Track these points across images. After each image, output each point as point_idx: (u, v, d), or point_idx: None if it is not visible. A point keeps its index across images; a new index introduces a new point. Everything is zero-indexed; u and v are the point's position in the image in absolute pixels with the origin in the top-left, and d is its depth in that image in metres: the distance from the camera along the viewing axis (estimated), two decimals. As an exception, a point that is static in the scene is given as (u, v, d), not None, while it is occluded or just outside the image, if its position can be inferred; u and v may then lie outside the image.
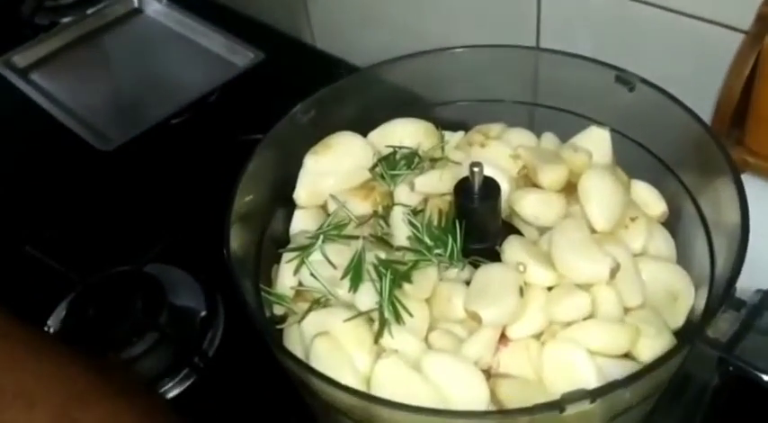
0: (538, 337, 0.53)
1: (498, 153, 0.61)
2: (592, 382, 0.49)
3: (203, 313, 0.85)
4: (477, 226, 0.56)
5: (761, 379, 0.44)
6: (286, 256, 0.57)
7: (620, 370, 0.50)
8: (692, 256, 0.58)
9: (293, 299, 0.57)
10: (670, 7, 0.74)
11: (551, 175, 0.58)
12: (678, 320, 0.55)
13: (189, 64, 1.22)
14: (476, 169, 0.53)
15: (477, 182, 0.54)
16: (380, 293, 0.52)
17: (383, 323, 0.51)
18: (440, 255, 0.55)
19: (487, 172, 0.58)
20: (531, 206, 0.57)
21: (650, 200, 0.61)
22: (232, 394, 0.79)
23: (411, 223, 0.56)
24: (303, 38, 1.25)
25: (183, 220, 0.96)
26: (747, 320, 0.48)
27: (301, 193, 0.64)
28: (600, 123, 0.63)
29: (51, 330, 0.84)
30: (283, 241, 0.64)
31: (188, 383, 0.80)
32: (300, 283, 0.58)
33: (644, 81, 0.60)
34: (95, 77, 1.23)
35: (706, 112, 0.75)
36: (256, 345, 0.52)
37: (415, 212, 0.60)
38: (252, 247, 0.61)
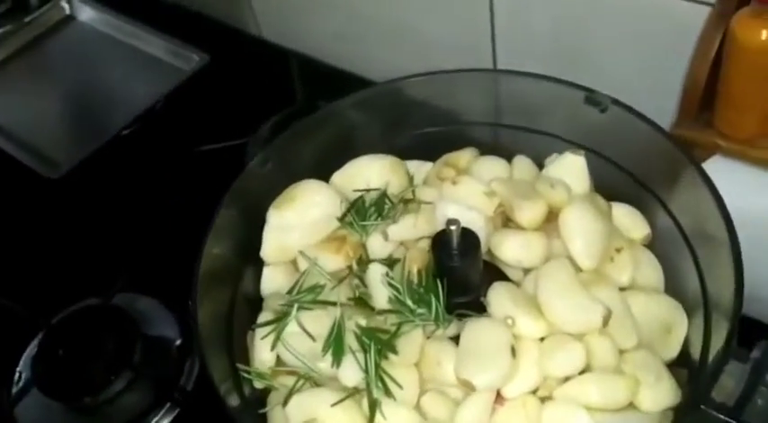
0: (534, 392, 0.51)
1: (471, 191, 0.58)
2: (596, 445, 0.47)
3: (179, 341, 0.83)
4: (459, 280, 0.53)
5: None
6: (260, 331, 0.54)
7: (624, 424, 0.48)
8: (678, 277, 0.57)
9: (273, 374, 0.54)
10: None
11: (530, 214, 0.55)
12: (672, 352, 0.54)
13: (130, 72, 1.15)
14: (453, 227, 0.50)
15: (455, 238, 0.51)
16: (366, 370, 0.50)
17: (374, 406, 0.48)
18: (424, 315, 0.52)
19: (462, 213, 0.55)
20: (512, 251, 0.54)
21: (633, 224, 0.58)
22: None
23: (391, 285, 0.53)
24: (248, 29, 1.19)
25: (148, 244, 0.92)
26: (752, 378, 0.46)
27: (268, 251, 0.60)
28: (569, 142, 0.60)
29: (23, 376, 0.81)
30: (256, 301, 0.61)
31: (173, 416, 0.77)
32: (278, 358, 0.55)
33: (615, 102, 0.57)
34: (32, 94, 1.16)
35: (672, 96, 0.73)
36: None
37: (391, 263, 0.57)
38: (223, 312, 0.58)
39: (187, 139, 1.02)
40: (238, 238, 0.61)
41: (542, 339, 0.52)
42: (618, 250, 0.55)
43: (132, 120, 1.05)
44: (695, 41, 0.68)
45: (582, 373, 0.50)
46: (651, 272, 0.56)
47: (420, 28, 0.96)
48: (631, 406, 0.50)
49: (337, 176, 0.63)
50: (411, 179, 0.62)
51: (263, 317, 0.56)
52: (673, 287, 0.57)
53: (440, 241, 0.52)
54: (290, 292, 0.57)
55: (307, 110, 1.04)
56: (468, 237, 0.52)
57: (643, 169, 0.60)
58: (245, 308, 0.60)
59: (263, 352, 0.54)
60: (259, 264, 0.62)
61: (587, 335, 0.51)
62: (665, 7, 0.71)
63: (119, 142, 1.04)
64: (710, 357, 0.45)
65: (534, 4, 0.79)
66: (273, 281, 0.61)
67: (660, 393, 0.49)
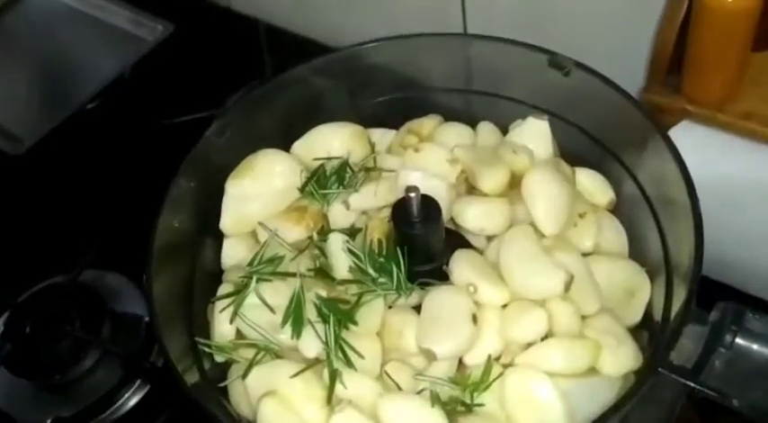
0: (497, 359, 0.51)
1: (434, 158, 0.57)
2: (558, 412, 0.46)
3: (147, 318, 0.82)
4: (421, 249, 0.52)
5: (731, 403, 0.42)
6: (219, 303, 0.53)
7: (585, 390, 0.48)
8: (642, 241, 0.56)
9: (233, 347, 0.54)
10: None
11: (492, 181, 0.54)
12: (635, 316, 0.53)
13: (94, 44, 1.13)
14: (412, 194, 0.49)
15: (415, 206, 0.50)
16: (326, 341, 0.49)
17: (333, 377, 0.48)
18: (385, 285, 0.51)
19: (424, 180, 0.54)
20: (474, 218, 0.54)
21: (596, 189, 0.58)
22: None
23: (352, 253, 0.52)
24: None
25: (114, 220, 0.90)
26: (711, 340, 0.46)
27: (227, 222, 0.59)
28: (534, 108, 0.60)
29: (-9, 356, 0.80)
30: (217, 273, 0.60)
31: (145, 391, 0.76)
32: (239, 331, 0.54)
33: (578, 64, 0.56)
34: (-8, 70, 1.14)
35: (641, 58, 0.72)
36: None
37: (353, 233, 0.56)
38: (180, 286, 0.57)
39: (153, 112, 1.00)
40: (196, 209, 0.59)
41: (504, 306, 0.51)
42: (581, 215, 0.55)
43: (96, 93, 1.03)
44: (661, 4, 0.68)
45: (544, 338, 0.50)
46: (614, 237, 0.56)
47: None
48: (593, 370, 0.49)
49: (298, 145, 0.62)
50: (373, 147, 0.60)
51: (224, 289, 0.55)
52: (636, 252, 0.57)
53: (400, 209, 0.51)
54: (250, 263, 0.56)
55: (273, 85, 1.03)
56: (429, 204, 0.51)
57: (608, 134, 0.59)
58: (206, 281, 0.59)
59: (222, 325, 0.54)
60: (219, 236, 0.61)
61: (549, 300, 0.50)
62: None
63: (83, 116, 1.02)
64: (671, 320, 0.44)
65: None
66: (234, 253, 0.60)
67: (622, 357, 0.49)
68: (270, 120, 0.62)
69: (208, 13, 1.15)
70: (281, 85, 0.62)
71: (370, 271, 0.50)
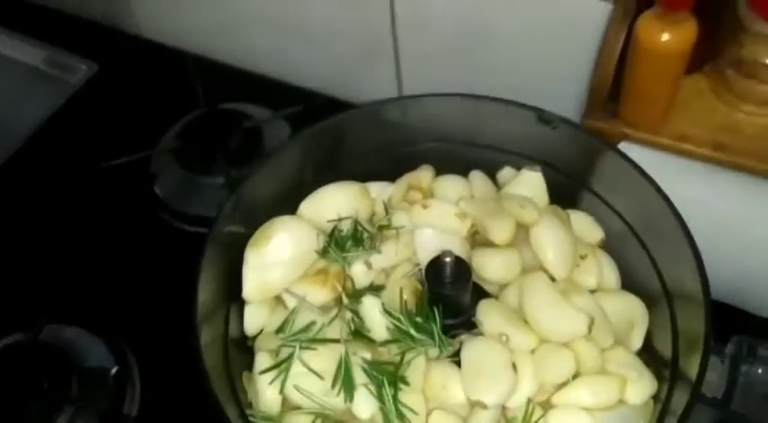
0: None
1: (443, 213, 0.61)
2: (600, 443, 0.52)
3: (114, 369, 0.82)
4: (452, 305, 0.57)
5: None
6: (264, 375, 0.56)
7: (617, 420, 0.54)
8: (633, 273, 0.63)
9: (280, 415, 0.56)
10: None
11: (504, 233, 0.59)
12: (636, 345, 0.60)
13: (10, 87, 1.08)
14: (447, 259, 0.53)
15: (449, 268, 0.54)
16: (384, 402, 0.53)
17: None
18: (425, 342, 0.55)
19: (439, 236, 0.59)
20: (495, 270, 0.59)
21: (588, 229, 0.64)
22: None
23: (389, 314, 0.56)
24: (126, 28, 1.15)
25: (62, 270, 0.89)
26: (732, 372, 0.53)
27: (250, 290, 0.61)
28: (513, 153, 0.65)
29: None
30: (241, 341, 0.62)
31: (123, 443, 0.77)
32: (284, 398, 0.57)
33: (564, 120, 0.62)
34: None
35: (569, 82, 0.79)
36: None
37: (376, 289, 0.60)
38: (218, 357, 0.59)
39: (86, 157, 0.98)
40: (220, 280, 0.61)
41: (533, 351, 0.57)
42: (582, 257, 0.61)
43: (22, 141, 1.00)
44: (588, 32, 0.74)
45: (574, 376, 0.56)
46: (610, 272, 0.62)
47: (316, 19, 0.97)
48: (621, 401, 0.56)
49: (305, 207, 0.64)
50: (385, 207, 0.64)
51: (261, 358, 0.57)
52: (628, 284, 0.63)
53: (433, 270, 0.55)
54: (279, 330, 0.59)
55: (212, 113, 1.04)
56: (460, 265, 0.55)
57: (586, 176, 0.65)
58: (234, 350, 0.61)
59: (268, 394, 0.56)
60: (237, 304, 0.63)
61: (574, 341, 0.56)
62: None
63: (9, 166, 0.99)
64: (698, 353, 0.50)
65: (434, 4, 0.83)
66: (256, 320, 0.62)
67: (643, 387, 0.56)
68: (270, 190, 0.64)
69: (129, 48, 1.13)
70: (279, 158, 0.64)
71: (412, 331, 0.54)
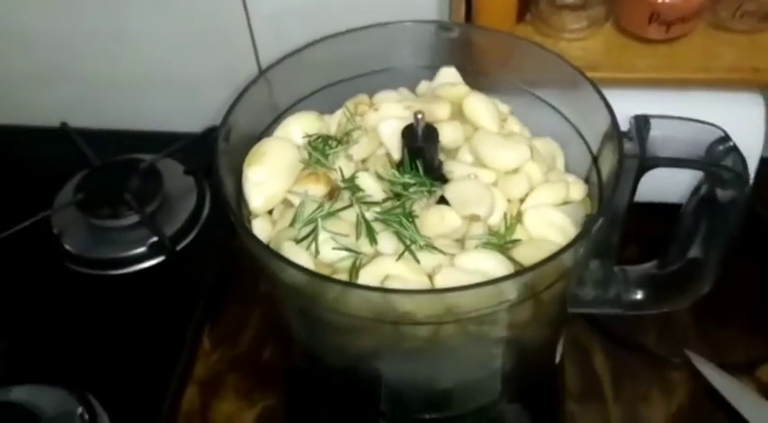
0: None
1: (393, 110, 0.77)
2: (567, 221, 0.69)
3: (80, 409, 0.87)
4: (427, 162, 0.72)
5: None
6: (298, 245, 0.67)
7: (569, 211, 0.71)
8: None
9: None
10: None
11: (445, 108, 0.76)
12: (561, 167, 0.78)
13: None
14: (419, 117, 0.69)
15: (420, 128, 0.70)
16: (403, 237, 0.66)
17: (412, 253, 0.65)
18: (417, 187, 0.70)
19: (397, 123, 0.74)
20: (447, 136, 0.74)
21: (499, 104, 0.82)
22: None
23: (381, 178, 0.70)
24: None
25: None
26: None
27: (258, 203, 0.72)
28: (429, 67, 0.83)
29: None
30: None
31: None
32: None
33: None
34: None
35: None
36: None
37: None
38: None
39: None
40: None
41: (495, 182, 0.73)
42: (503, 120, 0.79)
43: None
44: None
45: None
46: (523, 128, 0.80)
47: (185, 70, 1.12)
48: (566, 200, 0.73)
49: (278, 132, 0.77)
50: (343, 119, 0.78)
51: (287, 246, 0.69)
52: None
53: (408, 133, 0.71)
54: (292, 223, 0.71)
55: (104, 166, 1.14)
56: (427, 126, 0.71)
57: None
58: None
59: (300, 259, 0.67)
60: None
61: (523, 166, 0.73)
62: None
63: None
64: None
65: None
66: (264, 228, 0.73)
67: (580, 186, 0.74)
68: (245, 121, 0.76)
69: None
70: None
71: (406, 179, 0.69)
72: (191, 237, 1.11)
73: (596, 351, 0.96)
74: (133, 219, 1.09)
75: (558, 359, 0.82)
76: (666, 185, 0.83)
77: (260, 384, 0.97)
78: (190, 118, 1.18)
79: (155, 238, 1.08)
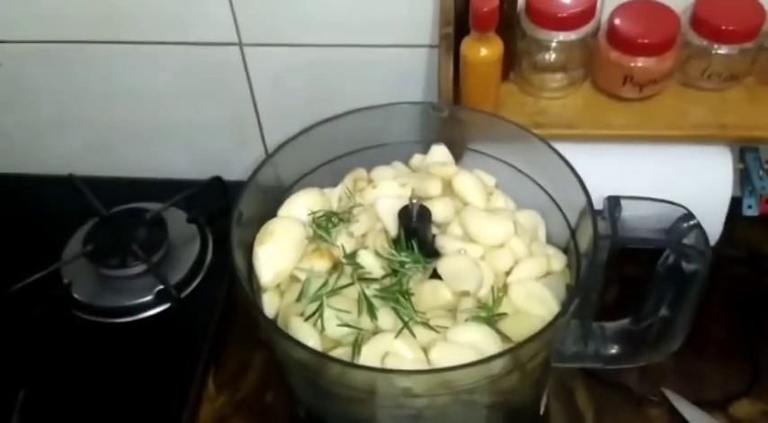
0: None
1: (389, 187, 0.84)
2: (548, 294, 0.77)
3: None
4: (421, 240, 0.79)
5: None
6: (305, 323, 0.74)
7: (549, 283, 0.79)
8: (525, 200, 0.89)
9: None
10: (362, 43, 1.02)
11: (436, 185, 0.83)
12: (543, 238, 0.86)
13: None
14: (414, 201, 0.77)
15: (415, 210, 0.77)
16: (400, 313, 0.73)
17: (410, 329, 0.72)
18: (411, 264, 0.77)
19: (393, 201, 0.81)
20: (438, 213, 0.82)
21: (485, 177, 0.89)
22: None
23: (382, 256, 0.77)
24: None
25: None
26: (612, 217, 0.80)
27: (268, 278, 0.79)
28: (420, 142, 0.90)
29: None
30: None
31: None
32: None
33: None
34: None
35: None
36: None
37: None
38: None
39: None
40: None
41: (482, 257, 0.80)
42: (490, 194, 0.86)
43: None
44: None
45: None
46: (508, 200, 0.88)
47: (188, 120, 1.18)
48: (548, 272, 0.80)
49: (283, 211, 0.84)
50: (343, 196, 0.85)
51: (294, 321, 0.76)
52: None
53: (404, 214, 0.78)
54: (298, 298, 0.78)
55: (111, 216, 1.19)
56: (421, 207, 0.78)
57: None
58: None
59: (310, 341, 0.74)
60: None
61: (507, 242, 0.80)
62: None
63: None
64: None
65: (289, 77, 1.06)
66: (272, 303, 0.80)
67: (560, 258, 0.81)
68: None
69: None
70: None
71: (403, 258, 0.76)
72: (194, 284, 1.17)
73: (580, 389, 1.03)
74: (140, 268, 1.14)
75: (542, 410, 0.90)
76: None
77: (263, 425, 1.02)
78: (192, 166, 1.24)
79: (161, 287, 1.13)
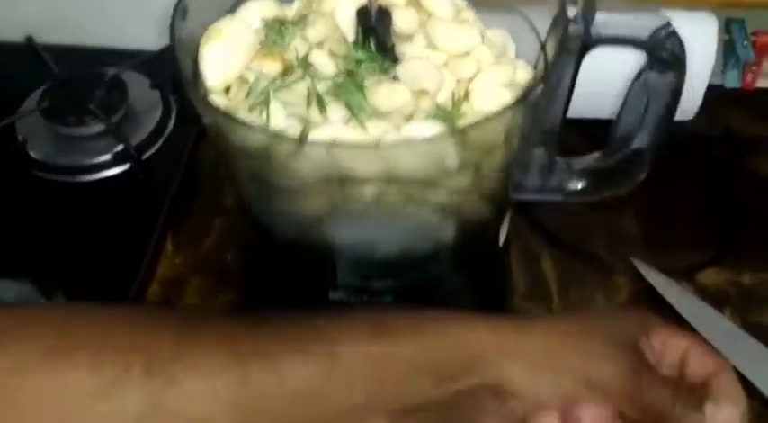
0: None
1: (348, -2, 0.79)
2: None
3: None
4: (379, 43, 0.74)
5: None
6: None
7: (516, 91, 0.74)
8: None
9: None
10: None
11: (400, -5, 0.78)
12: (512, 55, 0.81)
13: None
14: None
15: (374, 10, 0.72)
16: (352, 107, 0.68)
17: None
18: (370, 64, 0.72)
19: (352, 7, 0.76)
20: (401, 22, 0.76)
21: None
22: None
23: (340, 51, 0.72)
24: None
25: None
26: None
27: (215, 80, 0.74)
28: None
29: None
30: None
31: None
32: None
33: None
34: None
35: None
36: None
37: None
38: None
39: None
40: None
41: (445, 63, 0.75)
42: (458, 10, 0.81)
43: None
44: None
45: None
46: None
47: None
48: (512, 83, 0.75)
49: (235, 17, 0.79)
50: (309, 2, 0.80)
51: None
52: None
53: (362, 14, 0.73)
54: (247, 95, 0.72)
55: (70, 77, 1.15)
56: (380, 8, 0.73)
57: None
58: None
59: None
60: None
61: (473, 50, 0.75)
62: None
63: None
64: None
65: None
66: (220, 105, 0.75)
67: (527, 71, 0.76)
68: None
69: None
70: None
71: (359, 55, 0.71)
72: (155, 147, 1.13)
73: (545, 258, 0.99)
74: (98, 127, 1.12)
75: (501, 242, 0.85)
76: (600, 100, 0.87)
77: (221, 283, 0.99)
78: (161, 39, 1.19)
79: (120, 147, 1.10)
